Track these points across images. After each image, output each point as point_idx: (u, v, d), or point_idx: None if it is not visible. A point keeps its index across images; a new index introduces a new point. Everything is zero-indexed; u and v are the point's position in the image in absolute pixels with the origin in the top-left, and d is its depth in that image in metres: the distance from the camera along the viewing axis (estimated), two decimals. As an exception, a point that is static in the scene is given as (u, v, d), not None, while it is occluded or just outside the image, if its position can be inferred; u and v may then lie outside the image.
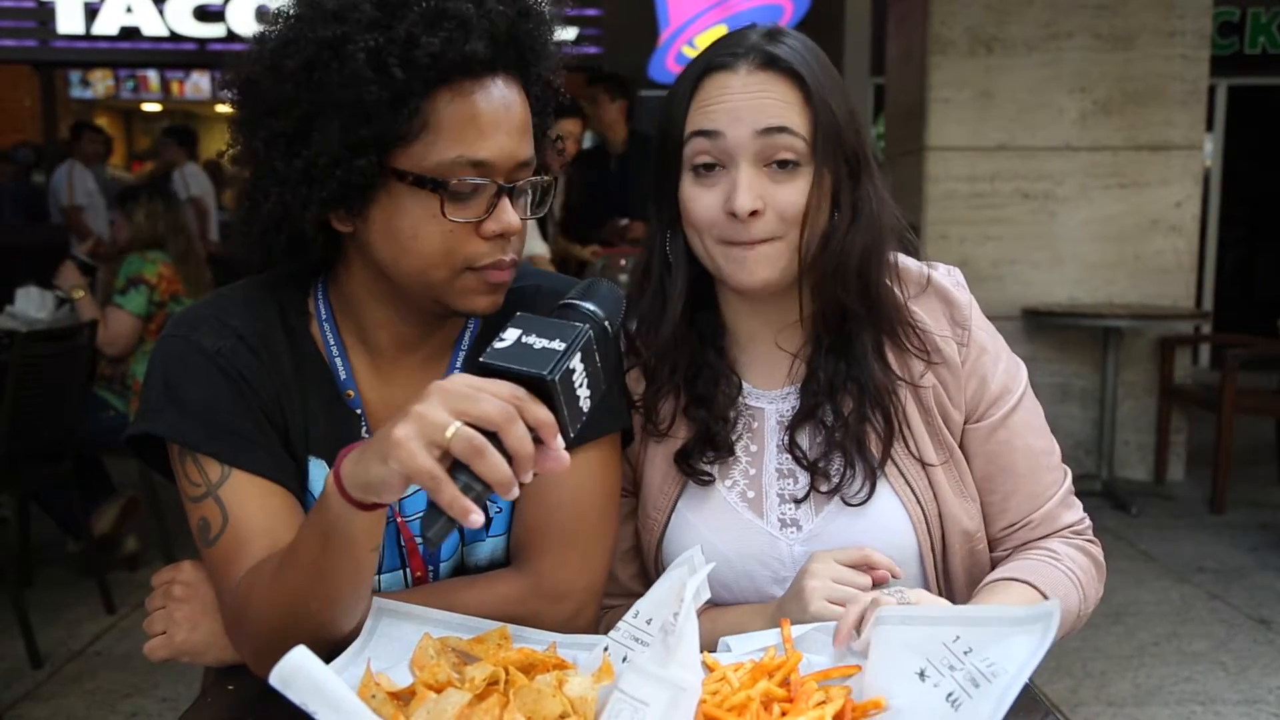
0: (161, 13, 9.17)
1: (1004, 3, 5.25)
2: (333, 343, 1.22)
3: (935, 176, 5.33)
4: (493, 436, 0.85)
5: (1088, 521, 1.32)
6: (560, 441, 0.89)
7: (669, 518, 1.29)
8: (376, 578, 1.21)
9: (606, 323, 0.98)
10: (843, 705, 0.91)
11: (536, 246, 4.50)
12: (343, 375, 1.21)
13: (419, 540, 1.22)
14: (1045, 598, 1.17)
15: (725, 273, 1.22)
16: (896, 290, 1.26)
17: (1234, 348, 5.05)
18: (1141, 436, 5.51)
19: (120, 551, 4.17)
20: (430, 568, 1.24)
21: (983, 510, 1.29)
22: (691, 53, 7.04)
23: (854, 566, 1.16)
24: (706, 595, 0.97)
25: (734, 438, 1.28)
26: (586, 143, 6.47)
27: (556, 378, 0.88)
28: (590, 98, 5.41)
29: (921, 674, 0.92)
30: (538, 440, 0.87)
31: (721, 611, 1.25)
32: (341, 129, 1.05)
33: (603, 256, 5.15)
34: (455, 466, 0.85)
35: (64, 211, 7.65)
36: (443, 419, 0.85)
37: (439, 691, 0.88)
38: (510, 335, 0.91)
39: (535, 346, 0.90)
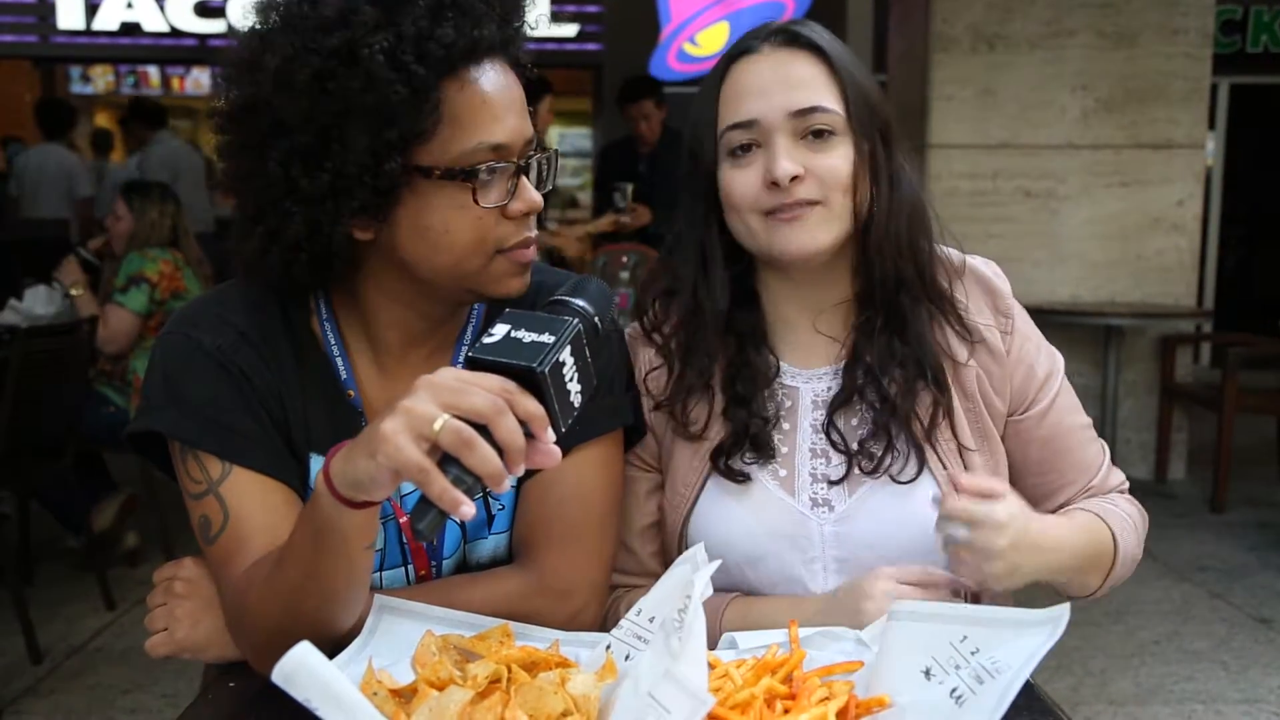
0: (162, 8, 9.17)
1: (1006, 0, 5.25)
2: (334, 340, 1.21)
3: (937, 174, 5.33)
4: (483, 431, 0.85)
5: (1128, 482, 1.38)
6: (551, 435, 0.89)
7: (698, 494, 1.28)
8: (378, 575, 1.21)
9: (596, 319, 0.98)
10: (846, 701, 0.91)
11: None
12: (344, 372, 1.21)
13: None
14: (1112, 532, 1.25)
15: (773, 245, 1.22)
16: (940, 272, 1.28)
17: (1235, 346, 5.05)
18: (1142, 435, 5.51)
19: (121, 547, 4.17)
20: (432, 565, 1.23)
21: (1042, 489, 1.32)
22: (693, 49, 7.07)
23: (914, 584, 1.16)
24: (710, 593, 0.97)
25: (771, 429, 1.28)
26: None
27: (546, 370, 0.88)
28: (641, 114, 5.54)
29: (927, 672, 0.91)
30: (529, 434, 0.87)
31: (754, 602, 1.25)
32: (367, 134, 1.04)
33: (604, 254, 5.14)
34: (446, 460, 0.86)
35: (75, 204, 7.61)
36: (431, 412, 0.85)
37: (441, 689, 0.88)
38: (499, 330, 0.92)
39: (524, 340, 0.90)
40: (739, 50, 1.25)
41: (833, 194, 1.20)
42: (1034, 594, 1.15)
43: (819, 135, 1.20)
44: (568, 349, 0.91)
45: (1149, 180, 5.36)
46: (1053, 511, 1.32)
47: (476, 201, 1.08)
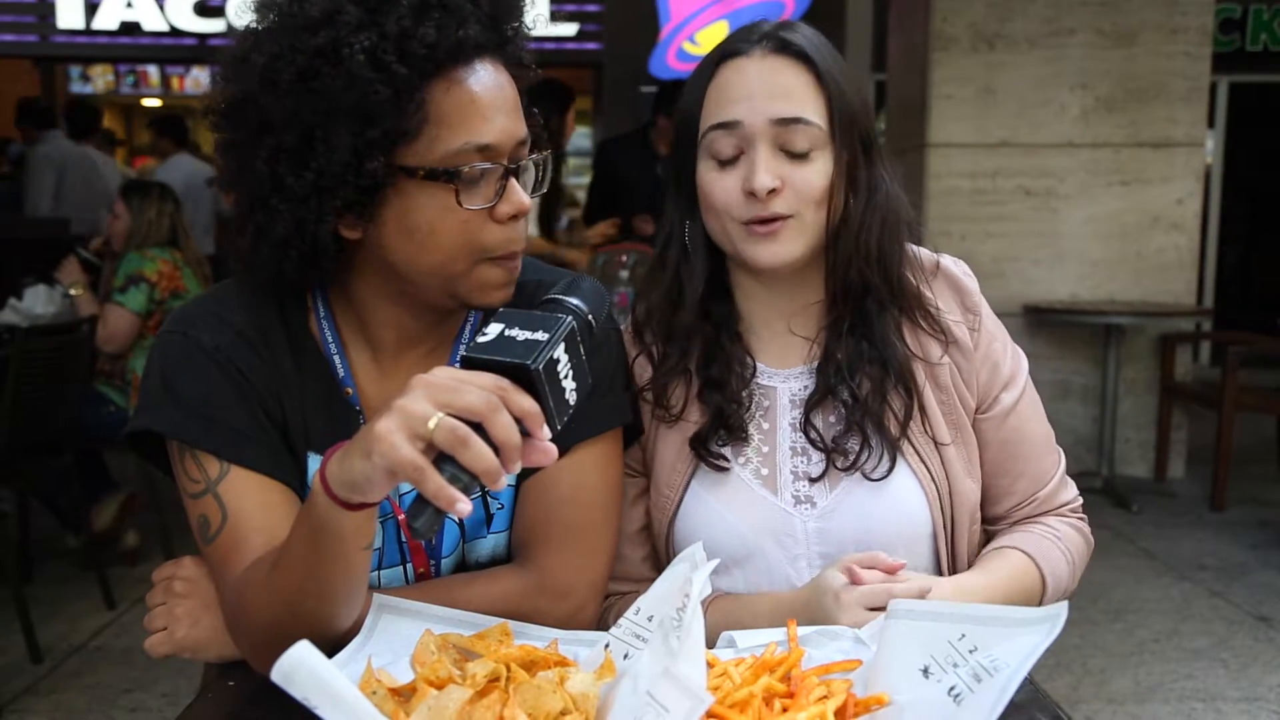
0: (161, 8, 9.17)
1: (1006, -1, 5.26)
2: (331, 339, 1.21)
3: (937, 173, 5.33)
4: (479, 429, 0.85)
5: (1080, 500, 1.38)
6: (546, 432, 0.89)
7: (682, 496, 1.29)
8: (377, 574, 1.21)
9: (591, 317, 0.98)
10: (845, 700, 0.91)
11: (530, 228, 4.50)
12: (342, 371, 1.21)
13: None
14: (1039, 568, 1.25)
15: (745, 253, 1.24)
16: (912, 277, 1.29)
17: (1235, 345, 5.05)
18: (1142, 434, 5.51)
19: (120, 547, 4.17)
20: (431, 564, 1.23)
21: (989, 492, 1.33)
22: (692, 48, 7.07)
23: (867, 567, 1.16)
24: (709, 591, 0.97)
25: (747, 417, 1.30)
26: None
27: (540, 366, 0.88)
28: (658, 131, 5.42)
29: (925, 671, 0.92)
30: (525, 432, 0.87)
31: (737, 601, 1.26)
32: (349, 133, 1.04)
33: (603, 254, 5.13)
34: (442, 459, 0.86)
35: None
36: (425, 410, 0.85)
37: (440, 688, 0.88)
38: (493, 329, 0.92)
39: (519, 338, 0.90)
40: (729, 50, 1.26)
41: (805, 208, 1.22)
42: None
43: (798, 154, 1.21)
44: (561, 346, 0.91)
45: (1149, 179, 5.36)
46: (997, 520, 1.33)
47: (460, 203, 1.08)
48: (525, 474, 1.23)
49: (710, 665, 0.97)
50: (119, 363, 4.13)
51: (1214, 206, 9.08)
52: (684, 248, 1.31)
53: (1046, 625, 0.89)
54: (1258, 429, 5.70)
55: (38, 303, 4.30)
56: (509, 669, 0.92)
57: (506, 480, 0.87)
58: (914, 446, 1.26)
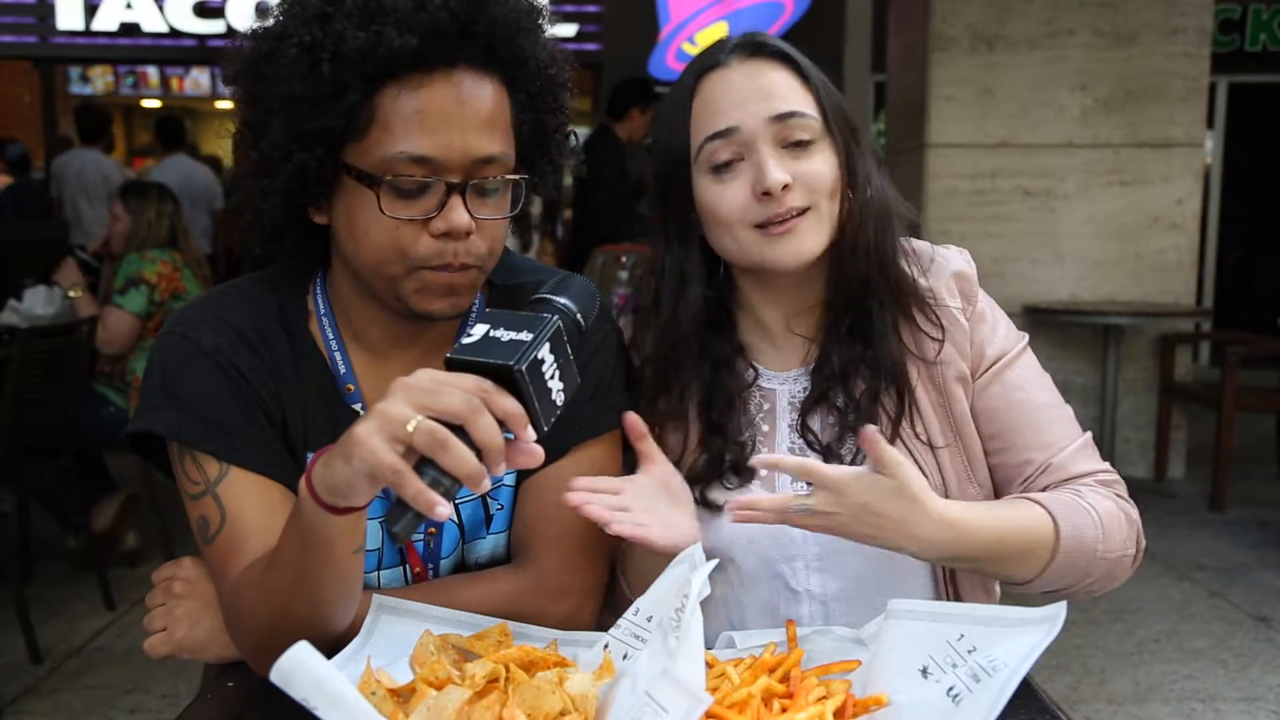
0: (161, 9, 9.16)
1: (1005, 0, 5.25)
2: (332, 339, 1.21)
3: (936, 174, 5.33)
4: (462, 432, 0.84)
5: (1114, 474, 1.28)
6: (531, 434, 0.88)
7: None
8: (376, 574, 1.21)
9: (579, 316, 0.97)
10: (843, 700, 0.91)
11: (508, 241, 4.49)
12: (343, 368, 1.21)
13: (417, 541, 1.22)
14: (1050, 512, 1.16)
15: (764, 258, 1.22)
16: (909, 270, 1.28)
17: (1234, 345, 5.05)
18: (1142, 434, 5.51)
19: (120, 547, 4.17)
20: (430, 565, 1.23)
21: (1004, 472, 1.27)
22: (691, 49, 7.06)
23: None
24: (708, 592, 0.97)
25: (745, 420, 1.29)
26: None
27: (524, 367, 0.88)
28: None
29: (924, 671, 0.92)
30: (510, 434, 0.87)
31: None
32: (284, 122, 1.07)
33: (603, 254, 5.12)
34: (424, 462, 0.85)
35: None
36: (404, 414, 0.85)
37: (439, 688, 0.88)
38: (478, 330, 0.91)
39: (503, 339, 0.90)
40: (705, 66, 1.25)
41: (820, 199, 1.21)
42: (1032, 595, 1.15)
43: (800, 144, 1.21)
44: (546, 346, 0.90)
45: (1148, 179, 5.36)
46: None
47: (382, 210, 1.08)
48: (525, 475, 1.23)
49: (709, 665, 0.98)
50: (119, 363, 4.13)
51: (1213, 207, 9.08)
52: (679, 284, 1.27)
53: (1045, 625, 0.89)
54: (1258, 429, 5.70)
55: (37, 304, 4.30)
56: (508, 669, 0.92)
57: (489, 483, 0.86)
58: (908, 450, 1.25)
